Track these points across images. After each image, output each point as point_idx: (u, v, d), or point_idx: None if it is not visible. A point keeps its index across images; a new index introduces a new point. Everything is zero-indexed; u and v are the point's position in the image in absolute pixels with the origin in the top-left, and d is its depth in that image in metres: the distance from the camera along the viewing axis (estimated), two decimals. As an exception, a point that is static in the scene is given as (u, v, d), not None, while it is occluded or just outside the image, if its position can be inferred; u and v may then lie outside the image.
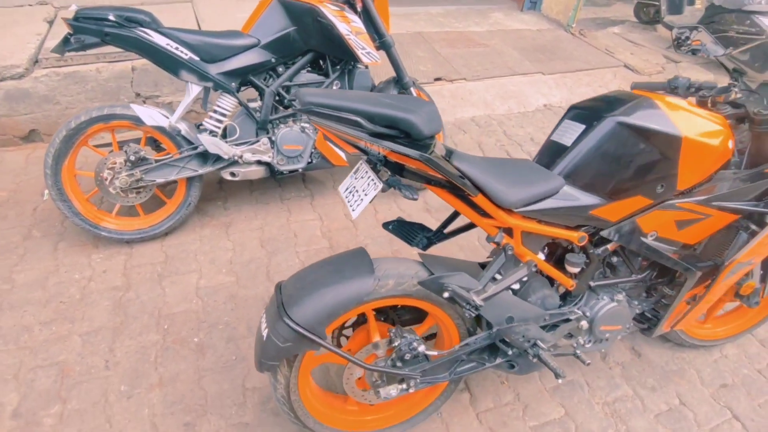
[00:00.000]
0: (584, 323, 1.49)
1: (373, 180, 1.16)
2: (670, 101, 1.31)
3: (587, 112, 1.31)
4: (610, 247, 1.43)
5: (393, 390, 1.36)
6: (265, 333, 1.26)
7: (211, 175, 2.35)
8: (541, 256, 1.42)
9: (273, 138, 2.27)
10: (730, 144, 1.34)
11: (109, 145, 2.18)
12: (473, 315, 1.27)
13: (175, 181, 2.23)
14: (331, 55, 2.29)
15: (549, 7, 5.39)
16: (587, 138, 1.27)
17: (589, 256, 1.43)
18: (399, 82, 2.52)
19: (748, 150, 1.48)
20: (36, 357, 1.77)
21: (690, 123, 1.28)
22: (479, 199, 1.18)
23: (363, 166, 1.21)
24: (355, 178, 1.23)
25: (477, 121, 3.58)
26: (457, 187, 1.16)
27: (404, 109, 1.03)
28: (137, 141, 2.17)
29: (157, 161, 2.12)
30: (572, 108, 1.37)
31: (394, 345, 1.34)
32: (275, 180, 2.74)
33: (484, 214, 1.25)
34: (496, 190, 1.16)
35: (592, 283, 1.49)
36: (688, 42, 1.72)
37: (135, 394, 1.68)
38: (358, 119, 0.99)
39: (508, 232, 1.28)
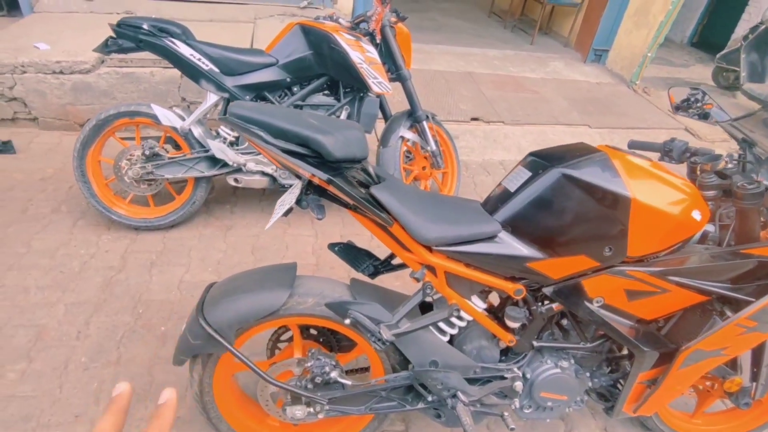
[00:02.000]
0: (519, 384, 1.38)
1: (294, 197, 1.18)
2: (631, 159, 1.22)
3: (539, 160, 1.26)
4: (555, 306, 1.33)
5: (299, 411, 1.33)
6: (183, 328, 1.31)
7: (224, 181, 2.50)
8: (481, 304, 1.36)
9: (278, 152, 2.38)
10: (697, 215, 1.21)
11: (134, 139, 2.40)
12: (380, 348, 1.23)
13: (185, 180, 2.40)
14: (343, 81, 2.38)
15: (614, 61, 5.21)
16: (530, 186, 1.21)
17: (532, 313, 1.34)
18: (412, 115, 2.56)
19: (732, 226, 1.33)
20: (23, 316, 1.94)
21: (646, 186, 1.18)
22: (396, 230, 1.17)
23: (298, 183, 1.25)
24: (288, 194, 1.26)
25: (505, 165, 3.51)
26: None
27: (317, 130, 1.06)
28: (158, 139, 2.37)
29: (169, 159, 2.30)
30: (529, 155, 1.32)
31: (307, 366, 1.33)
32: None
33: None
34: (412, 223, 1.14)
35: (536, 343, 1.39)
36: (699, 104, 1.61)
37: (92, 367, 1.79)
38: (260, 133, 1.03)
39: (433, 270, 1.24)
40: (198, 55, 2.16)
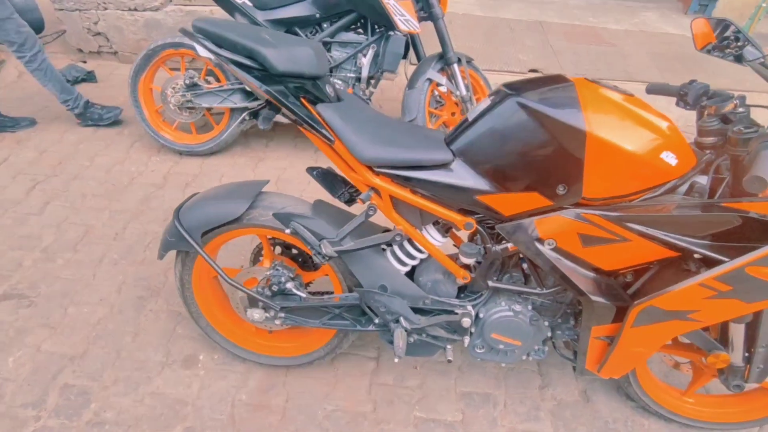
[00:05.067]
0: (467, 320, 1.38)
1: (253, 109, 1.25)
2: (601, 91, 1.11)
3: (504, 90, 1.19)
4: (510, 246, 1.28)
5: (257, 314, 1.46)
6: (165, 227, 1.47)
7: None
8: (438, 237, 1.35)
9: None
10: (669, 159, 1.08)
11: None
12: (320, 262, 1.29)
13: (222, 110, 2.58)
14: (371, 18, 2.35)
15: (721, 13, 4.48)
16: (486, 115, 1.16)
17: (487, 251, 1.31)
18: (443, 57, 2.47)
19: (726, 180, 1.16)
20: (77, 216, 2.29)
21: (608, 119, 1.07)
22: (339, 148, 1.19)
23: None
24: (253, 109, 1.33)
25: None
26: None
27: (262, 42, 1.10)
28: (201, 71, 2.56)
29: (207, 89, 2.48)
30: (502, 85, 1.25)
31: (267, 274, 1.44)
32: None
33: (358, 168, 1.24)
34: (351, 141, 1.16)
35: (491, 283, 1.36)
36: (732, 41, 1.37)
37: (120, 263, 2.07)
38: (206, 43, 1.09)
39: (380, 194, 1.25)
40: (232, -12, 2.26)
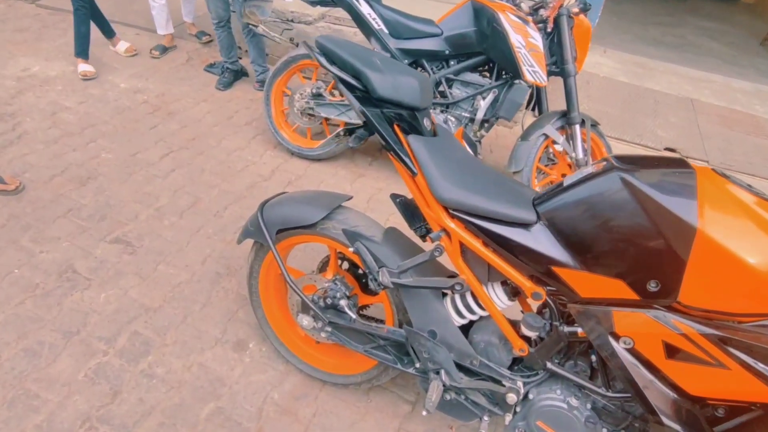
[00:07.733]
0: (512, 396, 1.25)
1: (350, 126, 1.29)
2: (728, 187, 0.96)
3: (611, 162, 1.08)
4: (580, 332, 1.15)
5: (305, 320, 1.48)
6: (249, 217, 1.57)
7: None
8: (504, 299, 1.26)
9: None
10: (803, 287, 0.88)
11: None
12: (375, 289, 1.27)
13: (338, 123, 2.72)
14: (499, 63, 2.33)
15: None
16: (585, 184, 1.07)
17: (553, 329, 1.19)
18: (566, 115, 2.35)
19: None
20: (192, 186, 2.55)
21: (729, 221, 0.91)
22: (419, 181, 1.17)
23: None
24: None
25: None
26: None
27: (370, 65, 1.13)
28: (328, 83, 2.74)
29: (329, 101, 2.64)
30: (612, 156, 1.14)
31: (325, 285, 1.46)
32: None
33: (435, 205, 1.21)
34: (432, 177, 1.13)
35: (548, 364, 1.22)
36: None
37: (212, 238, 2.26)
38: (320, 58, 1.15)
39: (450, 237, 1.20)
40: (374, 15, 2.40)
